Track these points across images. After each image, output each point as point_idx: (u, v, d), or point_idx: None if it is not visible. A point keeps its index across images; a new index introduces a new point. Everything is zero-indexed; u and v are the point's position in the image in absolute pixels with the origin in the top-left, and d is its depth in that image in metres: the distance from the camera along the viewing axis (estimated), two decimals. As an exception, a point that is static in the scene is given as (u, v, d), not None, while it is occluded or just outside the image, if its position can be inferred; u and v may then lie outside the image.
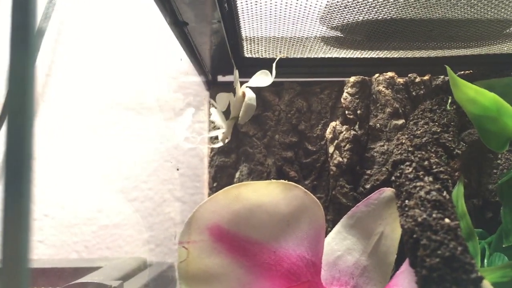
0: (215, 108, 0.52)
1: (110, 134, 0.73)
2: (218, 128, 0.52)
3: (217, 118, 0.52)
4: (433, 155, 0.33)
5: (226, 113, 0.50)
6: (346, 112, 0.52)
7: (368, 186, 0.51)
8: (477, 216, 0.49)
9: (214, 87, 0.57)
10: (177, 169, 0.58)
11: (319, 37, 0.49)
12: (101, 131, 0.73)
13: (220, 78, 0.58)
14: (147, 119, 0.72)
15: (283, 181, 0.34)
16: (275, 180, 0.34)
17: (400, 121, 0.50)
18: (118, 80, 0.72)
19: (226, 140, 0.49)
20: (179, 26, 0.39)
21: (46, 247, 0.73)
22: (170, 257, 0.69)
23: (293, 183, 0.35)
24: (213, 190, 0.54)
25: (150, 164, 0.72)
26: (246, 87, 0.51)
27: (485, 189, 0.50)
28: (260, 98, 0.55)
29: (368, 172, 0.51)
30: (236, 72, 0.50)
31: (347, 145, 0.51)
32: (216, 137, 0.54)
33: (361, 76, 0.52)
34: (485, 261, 0.42)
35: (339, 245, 0.36)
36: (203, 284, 0.32)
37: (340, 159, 0.52)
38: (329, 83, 0.55)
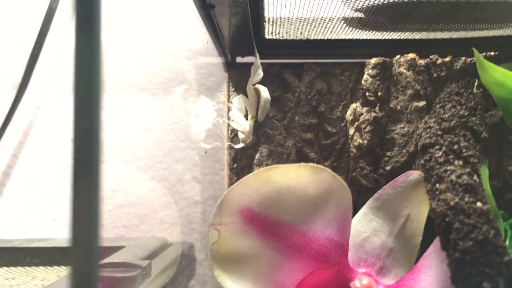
0: (236, 109, 0.53)
1: (125, 115, 0.73)
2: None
3: (239, 119, 0.52)
4: (462, 139, 0.33)
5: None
6: (367, 93, 0.52)
7: (388, 168, 0.51)
8: (497, 198, 0.49)
9: (233, 69, 0.57)
10: (205, 152, 0.58)
11: (342, 18, 0.48)
12: (115, 112, 0.73)
13: (238, 60, 0.58)
14: (162, 100, 0.72)
15: (312, 164, 0.35)
16: (304, 163, 0.34)
17: (421, 103, 0.51)
18: (132, 61, 0.72)
19: (248, 140, 0.50)
20: (206, 9, 0.39)
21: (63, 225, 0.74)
22: (186, 236, 0.70)
23: (322, 166, 0.35)
24: (233, 171, 0.55)
25: (165, 144, 0.73)
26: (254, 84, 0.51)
27: (505, 171, 0.50)
28: (280, 79, 0.55)
29: (388, 154, 0.51)
30: (257, 57, 0.50)
31: (368, 127, 0.52)
32: (236, 135, 0.54)
33: (382, 58, 0.52)
34: (507, 242, 0.43)
35: (365, 227, 0.37)
36: (235, 264, 0.33)
37: (361, 141, 0.52)
38: (350, 65, 0.54)
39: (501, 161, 0.51)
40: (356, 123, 0.52)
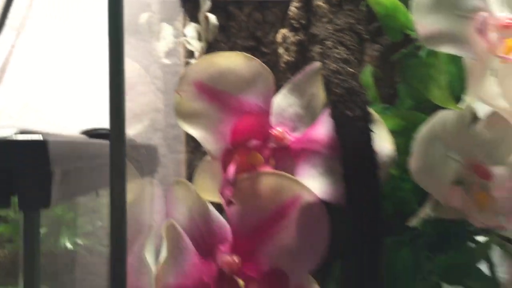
0: (192, 37, 0.67)
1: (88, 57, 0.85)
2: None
3: (194, 41, 0.66)
4: (348, 37, 0.49)
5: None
6: (293, 22, 0.67)
7: (308, 78, 0.66)
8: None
9: (188, 3, 0.71)
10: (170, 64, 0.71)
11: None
12: (78, 57, 0.85)
13: (192, -5, 0.72)
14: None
15: (245, 53, 0.50)
16: (240, 52, 0.49)
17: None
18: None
19: None
20: None
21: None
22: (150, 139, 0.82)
23: (253, 57, 0.50)
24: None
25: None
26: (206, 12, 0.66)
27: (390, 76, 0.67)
28: (226, 11, 0.70)
29: (309, 67, 0.67)
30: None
31: (293, 47, 0.67)
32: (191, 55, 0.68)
33: (304, -6, 0.67)
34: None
35: (283, 102, 0.52)
36: (192, 118, 0.48)
37: (288, 58, 0.67)
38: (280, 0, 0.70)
39: (392, 74, 0.68)
40: (285, 44, 0.67)
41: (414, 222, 0.54)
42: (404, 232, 0.57)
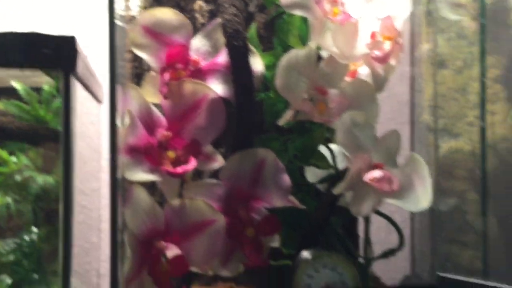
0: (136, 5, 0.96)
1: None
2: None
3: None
4: (237, 1, 0.80)
5: None
6: (206, -4, 0.98)
7: (216, 35, 0.97)
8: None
9: None
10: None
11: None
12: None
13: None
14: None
15: (174, 9, 0.79)
16: (171, 9, 0.79)
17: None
18: None
19: None
20: None
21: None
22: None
23: (177, 11, 0.80)
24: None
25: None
26: None
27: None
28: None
29: (217, 28, 0.98)
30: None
31: (206, 14, 0.97)
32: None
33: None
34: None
35: (198, 42, 0.83)
36: (142, 48, 0.77)
37: (202, 21, 0.98)
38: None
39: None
40: (200, 12, 0.98)
41: (281, 122, 0.85)
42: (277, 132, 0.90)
